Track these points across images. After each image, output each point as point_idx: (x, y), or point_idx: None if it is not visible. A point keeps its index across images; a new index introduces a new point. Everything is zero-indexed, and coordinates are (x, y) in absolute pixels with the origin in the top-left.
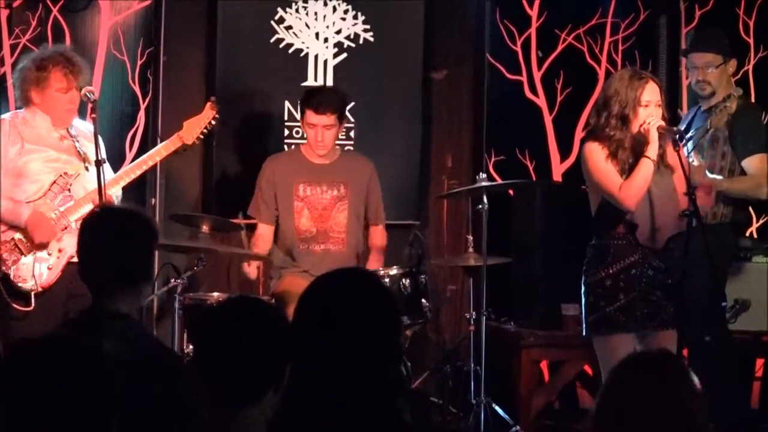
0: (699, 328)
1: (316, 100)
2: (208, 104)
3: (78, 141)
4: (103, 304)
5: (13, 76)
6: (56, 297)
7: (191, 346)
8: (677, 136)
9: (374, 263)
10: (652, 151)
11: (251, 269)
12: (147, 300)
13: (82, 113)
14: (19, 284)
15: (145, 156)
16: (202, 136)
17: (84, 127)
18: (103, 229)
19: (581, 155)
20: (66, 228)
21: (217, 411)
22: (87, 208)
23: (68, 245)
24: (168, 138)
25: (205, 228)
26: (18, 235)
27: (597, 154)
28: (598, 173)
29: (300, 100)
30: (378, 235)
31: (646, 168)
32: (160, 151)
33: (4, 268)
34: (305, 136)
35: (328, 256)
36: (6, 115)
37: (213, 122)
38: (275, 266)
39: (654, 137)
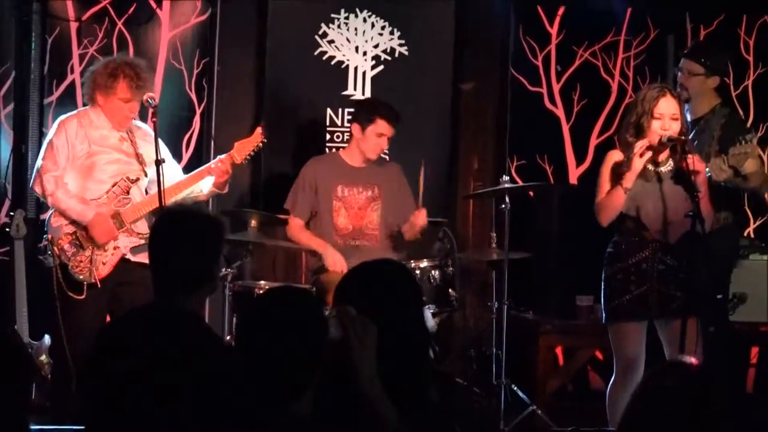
0: (704, 320)
1: (391, 112)
2: (258, 129)
3: (136, 143)
4: (171, 302)
5: (84, 75)
6: (104, 288)
7: None
8: (678, 146)
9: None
10: (628, 180)
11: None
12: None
13: (143, 116)
14: (76, 275)
15: (200, 169)
16: (248, 158)
17: (144, 128)
18: (175, 232)
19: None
20: (123, 228)
21: (263, 405)
22: (147, 209)
23: (123, 244)
24: (220, 148)
25: (253, 223)
26: (80, 229)
27: (608, 162)
28: (600, 179)
29: (367, 110)
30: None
31: (615, 195)
32: (211, 167)
33: (63, 258)
34: (347, 139)
35: (363, 252)
36: (73, 113)
37: (260, 145)
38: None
39: (636, 167)
